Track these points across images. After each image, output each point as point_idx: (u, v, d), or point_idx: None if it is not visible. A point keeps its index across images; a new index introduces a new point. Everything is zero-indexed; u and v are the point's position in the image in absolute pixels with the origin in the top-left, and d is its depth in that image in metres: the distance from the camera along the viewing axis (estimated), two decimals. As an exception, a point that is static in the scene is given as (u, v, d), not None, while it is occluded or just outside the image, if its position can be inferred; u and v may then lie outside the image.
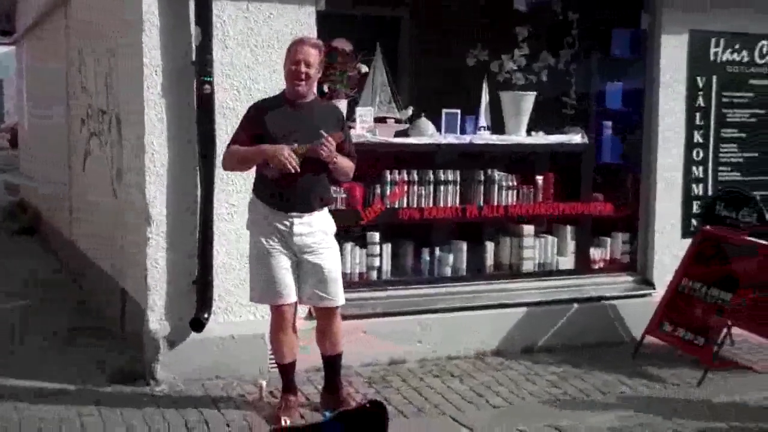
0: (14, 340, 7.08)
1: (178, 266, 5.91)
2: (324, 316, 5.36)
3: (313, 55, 5.11)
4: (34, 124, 13.31)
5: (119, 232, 6.81)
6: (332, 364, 5.47)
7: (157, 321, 5.91)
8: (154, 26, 5.77)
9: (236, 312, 6.04)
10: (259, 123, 5.11)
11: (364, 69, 6.55)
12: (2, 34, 16.56)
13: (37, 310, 8.02)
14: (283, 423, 5.11)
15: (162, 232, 5.89)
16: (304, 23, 6.08)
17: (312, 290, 5.23)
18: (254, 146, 5.08)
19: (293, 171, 4.95)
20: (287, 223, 5.13)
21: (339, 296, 5.31)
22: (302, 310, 5.71)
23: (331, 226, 5.34)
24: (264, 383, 5.70)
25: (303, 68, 5.07)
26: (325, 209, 5.32)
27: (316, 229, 5.20)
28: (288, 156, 4.93)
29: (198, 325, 5.80)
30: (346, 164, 5.25)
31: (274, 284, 5.15)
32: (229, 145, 5.23)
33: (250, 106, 5.33)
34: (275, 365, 5.52)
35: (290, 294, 5.19)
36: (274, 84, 5.95)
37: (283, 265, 5.15)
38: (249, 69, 5.98)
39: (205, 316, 5.83)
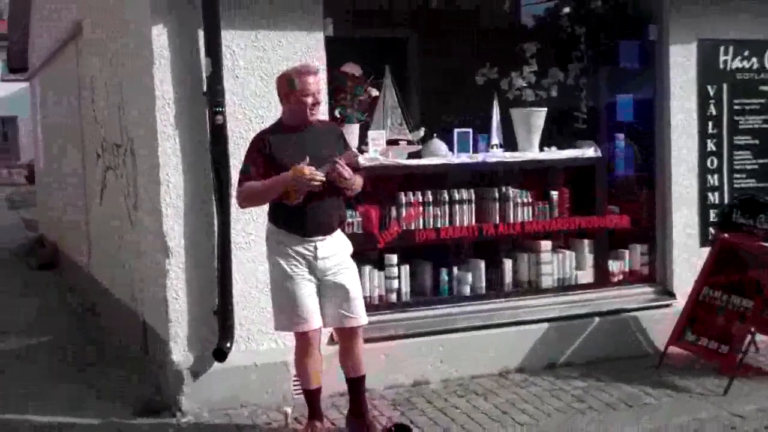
0: (37, 374, 7.11)
1: (198, 296, 5.93)
2: (347, 338, 5.37)
3: (318, 83, 5.20)
4: (50, 160, 13.40)
5: (138, 264, 6.85)
6: (357, 386, 5.46)
7: (179, 352, 5.93)
8: (165, 58, 5.82)
9: (258, 340, 6.06)
10: (268, 154, 5.11)
11: (375, 92, 6.58)
12: (17, 71, 16.71)
13: (59, 344, 8.06)
14: (308, 449, 5.12)
15: (180, 262, 5.91)
16: (313, 49, 6.12)
17: (336, 311, 5.25)
18: (270, 179, 5.05)
19: (320, 185, 4.96)
20: (311, 247, 5.14)
21: (363, 315, 5.33)
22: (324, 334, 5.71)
23: (349, 246, 5.37)
24: (289, 410, 5.70)
25: (315, 99, 5.14)
26: (339, 230, 5.35)
27: (337, 250, 5.24)
28: (310, 174, 4.93)
29: (221, 354, 5.82)
30: (359, 181, 5.28)
31: (299, 311, 5.14)
32: (241, 182, 5.18)
33: (253, 139, 5.30)
34: (299, 392, 5.51)
35: (316, 319, 5.20)
36: (286, 111, 5.98)
37: (307, 291, 5.16)
38: (260, 97, 6.01)
39: (228, 345, 5.85)
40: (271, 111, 5.97)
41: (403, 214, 6.65)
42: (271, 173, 5.06)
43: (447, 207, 6.78)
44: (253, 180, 5.10)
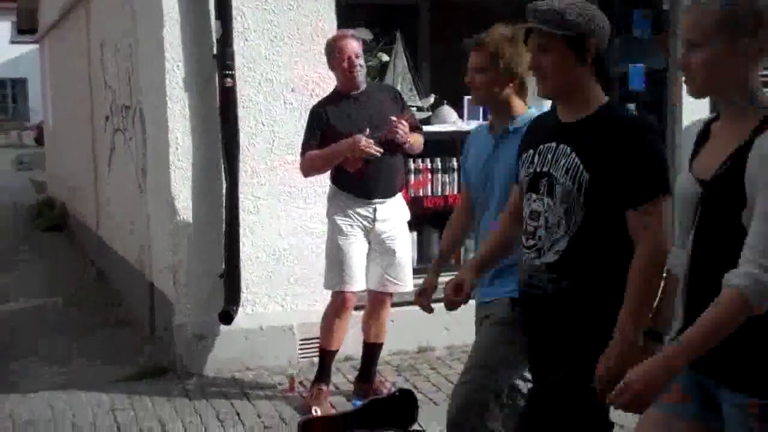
0: (44, 336, 7.16)
1: (205, 260, 5.95)
2: (380, 302, 5.45)
3: (358, 47, 5.26)
4: (59, 122, 13.41)
5: (146, 227, 6.86)
6: (373, 352, 5.53)
7: (186, 315, 5.95)
8: (175, 20, 5.79)
9: (264, 304, 6.08)
10: (326, 123, 5.19)
11: (385, 58, 6.55)
12: (26, 32, 16.66)
13: (66, 306, 8.12)
14: (313, 413, 5.13)
15: (188, 226, 5.92)
16: (324, 13, 6.09)
17: (382, 274, 5.33)
18: (328, 148, 5.14)
19: (377, 155, 5.07)
20: (370, 209, 5.23)
21: (406, 283, 5.41)
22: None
23: (407, 213, 5.48)
24: (294, 374, 5.74)
25: (356, 61, 5.20)
26: (400, 194, 5.44)
27: (395, 214, 5.35)
28: (366, 144, 5.03)
29: (227, 317, 5.84)
30: (419, 139, 5.37)
31: (347, 269, 5.22)
32: (303, 152, 5.27)
33: (310, 109, 5.36)
34: (305, 355, 5.54)
35: (360, 281, 5.29)
36: (295, 75, 5.98)
37: (359, 252, 5.25)
38: (269, 60, 5.99)
39: (234, 308, 5.86)
40: (281, 74, 5.96)
41: (412, 180, 6.64)
42: (331, 140, 5.14)
43: (456, 174, 6.77)
44: (313, 150, 5.19)
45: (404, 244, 5.42)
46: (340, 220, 5.24)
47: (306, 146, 5.26)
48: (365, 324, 5.53)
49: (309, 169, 5.34)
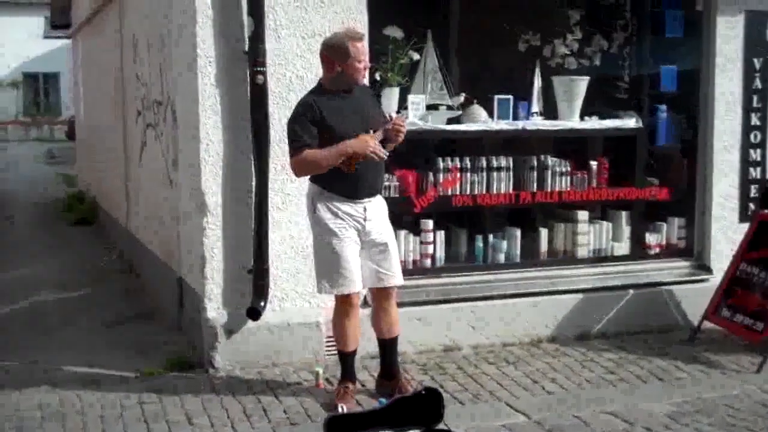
0: (74, 328, 7.22)
1: (234, 255, 5.97)
2: (384, 298, 5.42)
3: (365, 47, 5.25)
4: (91, 116, 13.51)
5: (175, 222, 6.90)
6: (389, 347, 5.50)
7: (214, 309, 5.98)
8: (207, 16, 5.82)
9: (291, 300, 6.10)
10: (320, 120, 5.10)
11: (416, 56, 6.54)
12: (59, 27, 16.81)
13: (96, 299, 8.18)
14: (339, 410, 5.15)
15: (218, 221, 5.95)
16: (356, 11, 6.09)
17: (375, 269, 5.31)
18: (332, 147, 5.03)
19: (384, 158, 5.08)
20: (360, 209, 5.21)
21: (399, 275, 5.40)
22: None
23: (386, 208, 5.45)
24: (321, 370, 5.75)
25: (365, 63, 5.22)
26: None
27: (381, 210, 5.35)
28: (375, 146, 5.03)
29: (254, 313, 5.86)
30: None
31: (345, 272, 5.19)
32: (298, 150, 5.06)
33: (299, 106, 5.20)
34: (332, 352, 5.54)
35: (359, 281, 5.27)
36: (326, 73, 5.98)
37: (354, 253, 5.22)
38: (301, 58, 6.00)
39: (261, 304, 5.89)
40: (312, 71, 5.96)
41: (441, 179, 6.63)
42: (325, 139, 5.07)
43: (485, 174, 6.76)
44: (309, 148, 5.05)
45: (392, 238, 5.40)
46: (332, 223, 5.16)
47: (301, 144, 5.05)
48: (375, 322, 5.50)
49: (305, 168, 5.14)
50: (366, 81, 5.34)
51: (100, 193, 12.55)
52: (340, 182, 5.14)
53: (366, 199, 5.22)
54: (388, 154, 5.13)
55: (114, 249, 10.53)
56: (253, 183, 5.89)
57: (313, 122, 5.09)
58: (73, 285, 8.78)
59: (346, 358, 5.42)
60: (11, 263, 10.02)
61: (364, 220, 5.21)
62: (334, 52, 5.16)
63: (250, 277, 5.92)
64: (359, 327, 5.43)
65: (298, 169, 5.19)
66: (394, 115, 5.49)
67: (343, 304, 5.31)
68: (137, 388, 5.66)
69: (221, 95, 5.89)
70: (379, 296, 5.43)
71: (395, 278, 5.37)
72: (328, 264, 5.24)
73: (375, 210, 5.27)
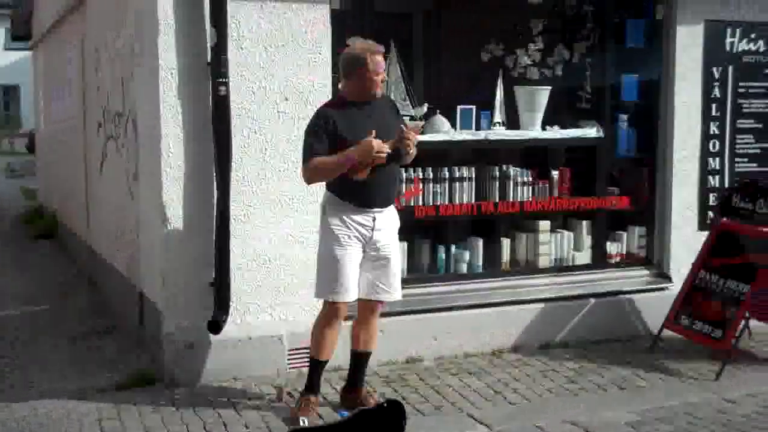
0: (33, 343, 7.13)
1: (195, 268, 5.92)
2: (370, 310, 5.44)
3: (384, 61, 5.28)
4: (51, 129, 13.38)
5: (136, 235, 6.84)
6: (362, 361, 5.52)
7: (174, 323, 5.93)
8: (170, 27, 5.78)
9: (253, 313, 6.05)
10: (333, 130, 5.13)
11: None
12: (20, 39, 16.65)
13: (56, 314, 8.08)
14: (301, 423, 5.12)
15: (179, 234, 5.90)
16: (319, 22, 6.08)
17: (372, 283, 5.32)
18: (340, 155, 5.07)
19: (386, 153, 5.06)
20: (369, 218, 5.22)
21: (397, 291, 5.41)
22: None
23: (398, 221, 5.46)
24: (282, 384, 5.71)
25: (383, 76, 5.25)
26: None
27: (391, 223, 5.36)
28: (378, 148, 5.02)
29: (215, 327, 5.81)
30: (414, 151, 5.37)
31: (342, 280, 5.20)
32: (308, 159, 5.14)
33: (316, 115, 5.28)
34: (293, 366, 5.51)
35: (354, 292, 5.27)
36: (289, 84, 5.97)
37: (355, 263, 5.23)
38: (264, 69, 5.98)
39: (223, 317, 5.84)
40: (275, 83, 5.95)
41: (403, 190, 6.63)
42: (337, 148, 5.09)
43: (447, 184, 6.77)
44: (319, 156, 5.11)
45: (397, 253, 5.43)
46: (338, 230, 5.20)
47: (312, 152, 5.14)
48: (355, 332, 5.52)
49: (314, 176, 5.24)
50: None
51: (61, 206, 12.42)
52: (354, 191, 5.18)
53: (377, 209, 5.23)
54: (389, 151, 5.07)
55: (75, 263, 10.42)
56: (215, 195, 5.85)
57: (327, 132, 5.13)
58: (36, 299, 8.68)
59: (317, 367, 5.40)
60: (-30, 278, 9.89)
61: (372, 230, 5.23)
62: (353, 63, 5.19)
63: (212, 290, 5.87)
64: (338, 339, 5.41)
65: (307, 177, 5.27)
66: (410, 124, 5.51)
67: (331, 312, 5.30)
68: (97, 404, 5.58)
69: (183, 106, 5.85)
70: (367, 308, 5.44)
71: (391, 294, 5.39)
72: (327, 269, 5.26)
73: (385, 221, 5.28)
